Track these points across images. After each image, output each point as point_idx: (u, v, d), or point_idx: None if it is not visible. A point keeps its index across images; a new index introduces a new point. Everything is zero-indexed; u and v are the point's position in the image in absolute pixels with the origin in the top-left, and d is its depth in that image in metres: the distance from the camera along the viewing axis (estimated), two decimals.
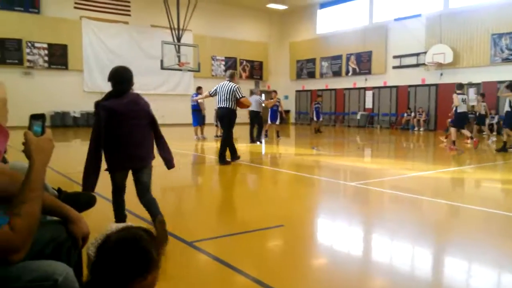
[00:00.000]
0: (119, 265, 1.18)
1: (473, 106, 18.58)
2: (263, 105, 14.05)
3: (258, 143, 13.17)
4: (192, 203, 5.59)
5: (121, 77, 3.52)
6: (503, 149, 10.72)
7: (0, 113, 0.85)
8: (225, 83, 8.45)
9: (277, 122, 15.15)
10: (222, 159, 8.31)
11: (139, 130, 3.54)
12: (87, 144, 3.58)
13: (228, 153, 8.54)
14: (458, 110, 11.05)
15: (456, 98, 10.92)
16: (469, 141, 12.28)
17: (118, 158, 3.56)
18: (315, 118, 18.56)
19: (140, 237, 1.24)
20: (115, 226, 1.39)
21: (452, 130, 11.29)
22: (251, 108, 13.04)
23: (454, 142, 11.09)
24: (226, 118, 8.44)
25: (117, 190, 3.77)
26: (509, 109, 10.69)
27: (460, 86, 11.53)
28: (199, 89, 14.81)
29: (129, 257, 1.19)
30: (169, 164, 3.79)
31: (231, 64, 26.36)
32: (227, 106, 8.30)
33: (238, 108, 8.50)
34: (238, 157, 8.68)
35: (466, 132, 11.70)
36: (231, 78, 8.52)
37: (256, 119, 13.56)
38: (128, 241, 1.22)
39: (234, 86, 8.28)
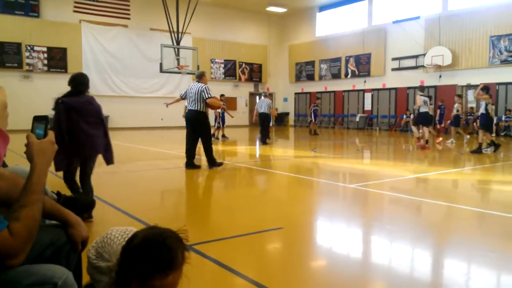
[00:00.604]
0: (143, 258, 1.20)
1: (472, 108, 18.65)
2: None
3: (265, 142, 13.85)
4: (191, 205, 5.59)
5: (79, 81, 4.30)
6: (477, 150, 10.81)
7: (0, 117, 0.85)
8: (194, 84, 8.10)
9: (270, 124, 15.62)
10: (212, 162, 8.12)
11: (91, 125, 4.21)
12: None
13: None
14: (421, 110, 12.00)
15: (420, 99, 11.85)
16: (421, 141, 12.60)
17: (76, 146, 4.12)
18: (313, 120, 18.85)
19: (168, 237, 1.26)
20: (115, 230, 1.40)
21: (425, 129, 12.02)
22: (261, 111, 14.16)
23: (427, 141, 12.10)
24: (195, 121, 7.99)
25: (69, 171, 4.36)
26: (484, 112, 10.91)
27: (422, 88, 13.04)
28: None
29: (154, 252, 1.21)
30: (108, 161, 4.44)
31: (230, 66, 26.43)
32: (196, 108, 7.93)
33: (209, 109, 8.15)
34: (198, 166, 8.23)
35: (416, 132, 12.37)
36: (200, 78, 8.13)
37: (266, 121, 14.17)
38: (155, 238, 1.24)
39: (202, 87, 7.90)
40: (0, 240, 1.25)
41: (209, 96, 7.92)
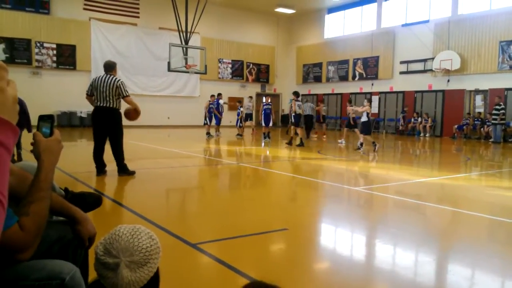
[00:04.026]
0: None
1: (479, 113, 18.52)
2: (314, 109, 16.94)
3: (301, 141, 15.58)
4: (196, 205, 5.61)
5: None
6: (359, 148, 11.95)
7: (11, 111, 0.87)
8: (104, 76, 6.77)
9: (270, 125, 16.40)
10: (123, 169, 6.97)
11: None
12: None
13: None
14: (297, 113, 14.00)
15: (295, 105, 13.91)
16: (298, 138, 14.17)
17: None
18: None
19: None
20: (123, 227, 1.41)
21: (298, 129, 13.84)
22: (306, 113, 16.10)
23: (301, 139, 13.65)
24: (108, 120, 6.77)
25: None
26: (366, 119, 11.99)
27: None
28: (219, 95, 17.66)
29: None
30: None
31: (237, 67, 26.47)
32: (109, 105, 6.69)
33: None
34: (105, 172, 7.00)
35: (299, 130, 13.97)
36: (111, 70, 6.87)
37: (310, 122, 16.44)
38: None
39: (117, 81, 6.70)
40: (11, 234, 1.28)
41: (128, 93, 6.81)
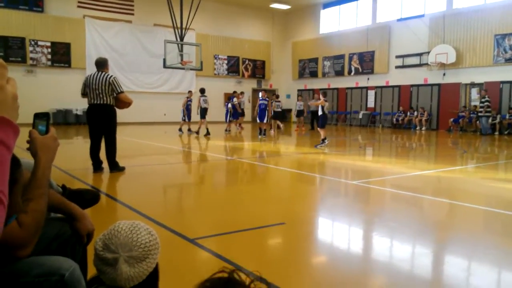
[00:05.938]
0: None
1: (475, 106, 18.59)
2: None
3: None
4: (194, 200, 5.62)
5: None
6: (321, 144, 11.67)
7: (12, 109, 0.87)
8: (96, 74, 6.74)
9: (265, 120, 15.87)
10: (114, 166, 6.91)
11: None
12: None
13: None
14: (202, 107, 15.89)
15: (199, 100, 15.80)
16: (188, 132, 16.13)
17: None
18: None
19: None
20: (122, 223, 1.42)
21: (200, 121, 15.81)
22: (313, 109, 18.21)
23: (198, 131, 15.76)
24: (103, 117, 6.74)
25: None
26: (322, 113, 11.90)
27: (203, 90, 16.37)
28: (235, 92, 18.01)
29: None
30: None
31: (233, 63, 26.42)
32: (103, 102, 6.66)
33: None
34: (102, 169, 6.97)
35: (200, 123, 15.82)
36: (103, 67, 6.82)
37: (317, 116, 18.40)
38: None
39: (110, 77, 6.67)
40: (10, 231, 1.28)
41: (122, 89, 6.80)
